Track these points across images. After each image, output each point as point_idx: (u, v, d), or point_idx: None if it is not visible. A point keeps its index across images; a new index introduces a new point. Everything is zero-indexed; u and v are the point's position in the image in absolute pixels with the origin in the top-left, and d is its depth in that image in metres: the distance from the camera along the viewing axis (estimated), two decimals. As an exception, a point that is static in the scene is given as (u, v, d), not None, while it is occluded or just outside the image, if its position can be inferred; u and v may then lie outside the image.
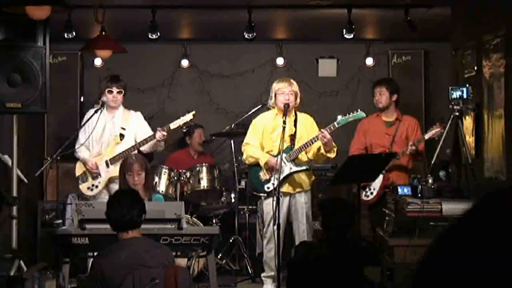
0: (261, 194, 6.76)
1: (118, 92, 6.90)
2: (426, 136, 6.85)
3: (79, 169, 6.97)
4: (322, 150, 6.57)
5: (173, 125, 6.87)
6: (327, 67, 9.31)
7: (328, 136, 6.43)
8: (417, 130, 7.25)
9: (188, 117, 6.88)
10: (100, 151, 6.90)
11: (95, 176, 6.87)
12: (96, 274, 4.24)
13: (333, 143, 6.55)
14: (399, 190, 6.12)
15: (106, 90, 6.88)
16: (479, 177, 6.30)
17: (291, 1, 7.51)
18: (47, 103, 5.61)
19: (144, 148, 6.84)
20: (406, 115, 7.40)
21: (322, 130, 6.50)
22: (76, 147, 6.90)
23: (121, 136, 6.90)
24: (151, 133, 6.87)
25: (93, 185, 6.88)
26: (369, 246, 6.20)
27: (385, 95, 7.18)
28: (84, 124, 6.84)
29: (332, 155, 6.64)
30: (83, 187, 6.92)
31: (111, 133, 6.90)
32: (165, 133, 6.77)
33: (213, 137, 8.62)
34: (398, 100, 7.25)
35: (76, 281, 5.88)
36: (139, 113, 7.05)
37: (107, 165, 6.83)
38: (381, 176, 6.96)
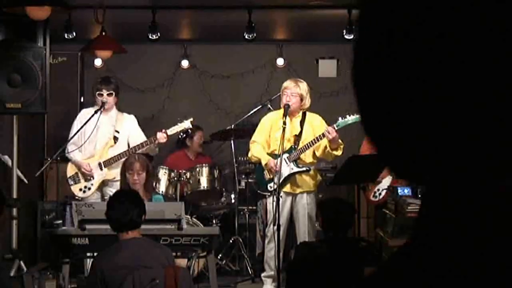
0: (265, 193, 6.78)
1: (108, 95, 6.80)
2: None
3: (70, 170, 6.90)
4: (328, 148, 6.56)
5: (170, 132, 6.79)
6: (327, 68, 9.31)
7: (334, 133, 6.41)
8: None
9: (186, 124, 6.82)
10: (92, 153, 6.85)
11: (88, 178, 6.83)
12: (96, 274, 4.25)
13: (339, 141, 6.54)
14: (399, 190, 6.12)
15: (96, 93, 6.81)
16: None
17: (291, 1, 7.50)
18: (47, 103, 5.61)
19: (138, 152, 6.77)
20: None
21: (327, 127, 6.49)
22: (70, 149, 6.81)
23: (115, 138, 6.85)
24: (144, 137, 6.82)
25: (85, 187, 6.82)
26: (369, 246, 6.21)
27: None
28: (85, 124, 6.78)
29: (338, 152, 6.60)
30: (75, 188, 6.86)
31: (105, 135, 6.84)
32: (166, 137, 6.72)
33: (213, 138, 8.62)
34: None
35: (76, 281, 5.88)
36: (132, 116, 6.99)
37: (101, 168, 6.78)
38: (390, 178, 6.96)
